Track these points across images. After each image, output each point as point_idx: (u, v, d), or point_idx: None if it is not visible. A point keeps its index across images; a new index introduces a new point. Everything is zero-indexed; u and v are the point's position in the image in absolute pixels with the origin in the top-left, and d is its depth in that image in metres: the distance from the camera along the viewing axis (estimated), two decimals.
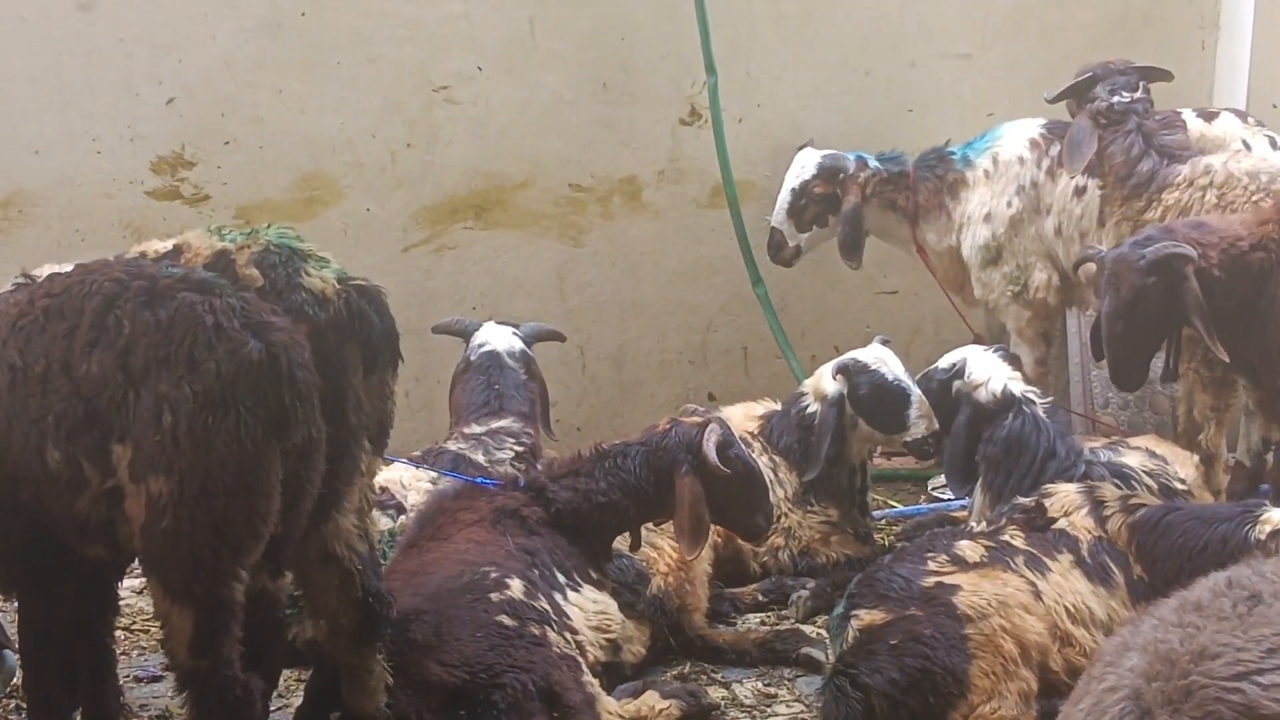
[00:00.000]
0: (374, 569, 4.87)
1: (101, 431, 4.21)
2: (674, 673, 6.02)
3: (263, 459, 4.23)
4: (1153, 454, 6.77)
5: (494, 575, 5.22)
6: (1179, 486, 6.59)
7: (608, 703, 5.16)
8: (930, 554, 5.54)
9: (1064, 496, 5.79)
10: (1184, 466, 6.81)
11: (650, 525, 6.11)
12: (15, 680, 5.51)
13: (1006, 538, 5.61)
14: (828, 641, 5.82)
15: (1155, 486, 6.46)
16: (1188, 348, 6.81)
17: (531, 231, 8.79)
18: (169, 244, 4.68)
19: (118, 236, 7.94)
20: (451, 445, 6.97)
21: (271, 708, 5.26)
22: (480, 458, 6.86)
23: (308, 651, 5.54)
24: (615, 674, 5.63)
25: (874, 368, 7.07)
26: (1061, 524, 5.65)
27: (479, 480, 6.17)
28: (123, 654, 6.22)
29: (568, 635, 5.25)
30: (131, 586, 6.59)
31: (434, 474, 6.61)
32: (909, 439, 7.02)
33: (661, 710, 5.43)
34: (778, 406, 7.44)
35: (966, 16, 9.16)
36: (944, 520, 7.31)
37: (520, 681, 4.85)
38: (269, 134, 8.32)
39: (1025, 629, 5.15)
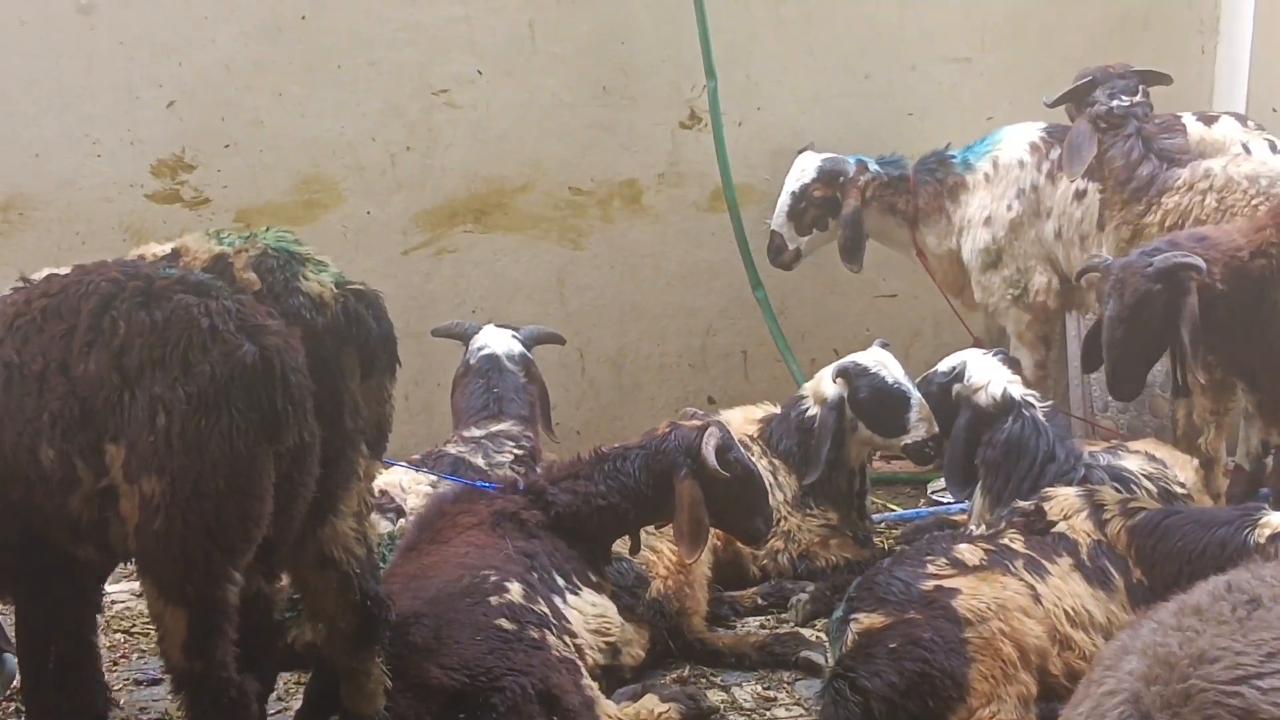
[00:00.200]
0: (372, 572, 4.87)
1: (96, 431, 4.21)
2: (673, 676, 6.01)
3: (255, 461, 4.23)
4: (1152, 458, 6.77)
5: (493, 579, 5.22)
6: (1178, 490, 6.58)
7: (607, 706, 5.16)
8: (929, 557, 5.54)
9: (1063, 500, 5.79)
10: (1183, 470, 6.80)
11: (650, 529, 6.11)
12: (15, 683, 5.50)
13: (1006, 541, 5.61)
14: (827, 645, 5.82)
15: (1155, 490, 6.46)
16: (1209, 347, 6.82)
17: (531, 235, 8.79)
18: (167, 247, 4.67)
19: (117, 239, 7.95)
20: (451, 448, 6.97)
21: (271, 711, 5.29)
22: (480, 461, 6.86)
23: (307, 655, 5.55)
24: (614, 677, 5.63)
25: (874, 371, 7.07)
26: (1061, 527, 5.66)
27: (478, 484, 6.17)
28: (122, 657, 6.25)
29: (567, 638, 5.25)
30: (131, 589, 6.63)
31: (433, 477, 6.61)
32: (908, 442, 7.01)
33: (661, 713, 5.43)
34: (777, 410, 7.44)
35: (966, 20, 9.17)
36: (943, 524, 7.31)
37: (519, 685, 4.85)
38: (269, 137, 8.32)
39: (1024, 632, 5.15)
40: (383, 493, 6.27)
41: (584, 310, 8.94)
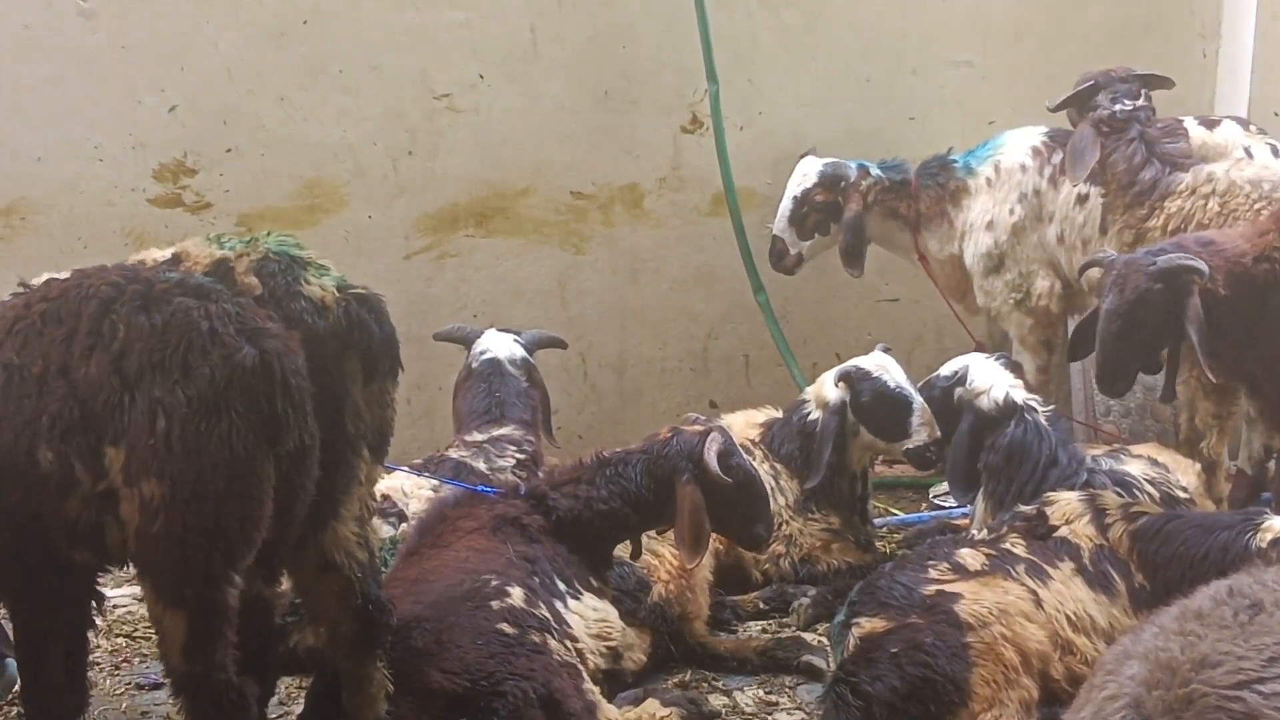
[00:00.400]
0: (374, 577, 4.87)
1: (96, 434, 4.22)
2: (675, 680, 6.02)
3: (255, 464, 4.23)
4: (1154, 462, 6.76)
5: (495, 583, 5.21)
6: (1181, 494, 6.58)
7: (608, 710, 5.15)
8: (931, 562, 5.54)
9: (1065, 504, 5.78)
10: (1186, 474, 6.80)
11: (652, 533, 6.11)
12: (17, 688, 5.50)
13: (1008, 546, 5.61)
14: (829, 649, 5.82)
15: (1157, 494, 6.46)
16: (1188, 356, 6.81)
17: (533, 239, 8.80)
18: (168, 252, 4.67)
19: (119, 244, 7.96)
20: (453, 453, 6.97)
21: (273, 715, 5.30)
22: (482, 465, 6.86)
23: (309, 659, 5.55)
24: (616, 681, 5.62)
25: (876, 375, 7.06)
26: (1063, 532, 5.65)
27: (480, 488, 6.17)
28: (124, 661, 6.26)
29: (568, 643, 5.25)
30: (133, 594, 6.62)
31: (435, 482, 6.61)
32: (911, 447, 7.00)
33: (662, 718, 5.41)
34: (779, 414, 7.43)
35: (968, 24, 9.17)
36: (945, 528, 7.32)
37: (521, 689, 4.84)
38: (271, 142, 8.33)
39: (1026, 637, 5.15)
40: (385, 497, 6.26)
41: (586, 314, 8.94)
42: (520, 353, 7.48)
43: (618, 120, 8.80)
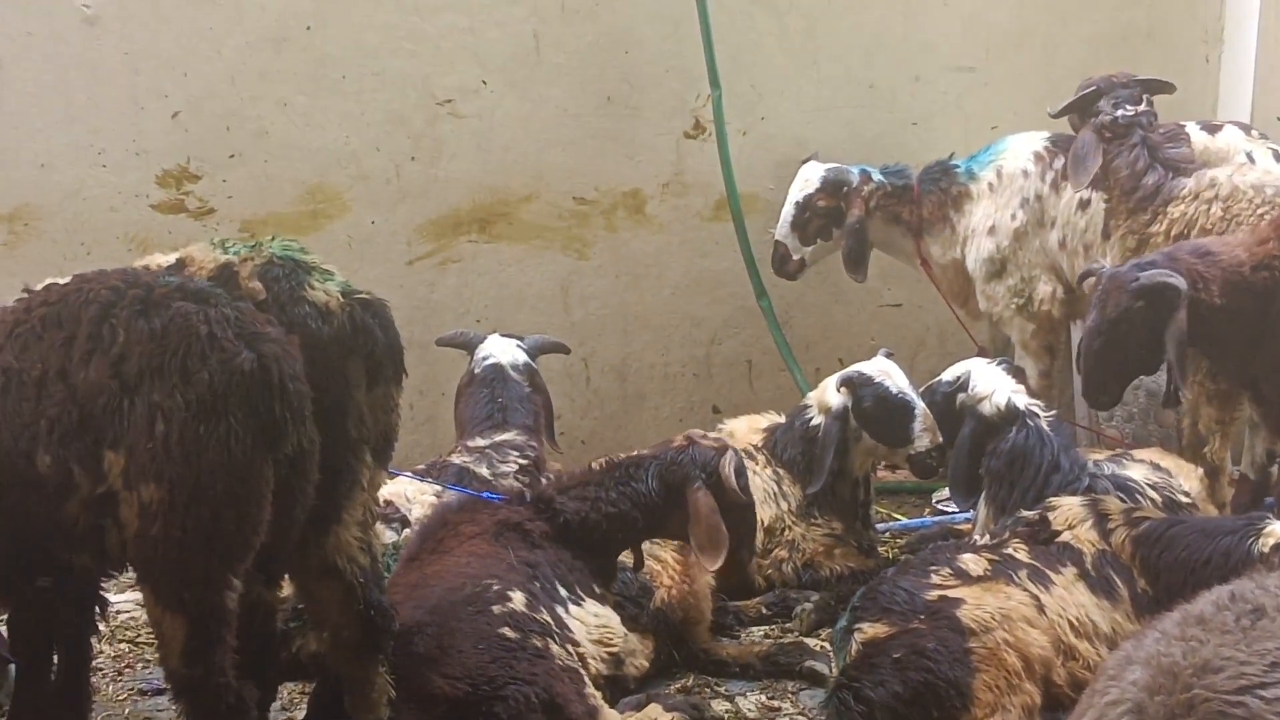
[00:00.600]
0: (377, 582, 4.87)
1: (94, 437, 4.22)
2: (677, 686, 6.02)
3: (253, 468, 4.24)
4: (1157, 467, 6.77)
5: (496, 588, 5.22)
6: (1183, 499, 6.59)
7: (610, 715, 5.15)
8: (934, 567, 5.54)
9: (1068, 510, 5.79)
10: (1188, 479, 6.81)
11: (654, 540, 6.13)
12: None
13: (1010, 551, 5.61)
14: (831, 655, 5.82)
15: (1159, 499, 6.47)
16: (1192, 361, 6.82)
17: (535, 244, 8.80)
18: (172, 257, 4.68)
19: (123, 250, 7.96)
20: (455, 458, 6.97)
21: None
22: (484, 471, 6.86)
23: (311, 664, 5.55)
24: (619, 687, 5.63)
25: (878, 381, 7.06)
26: (1065, 537, 5.65)
27: (482, 494, 6.18)
28: (127, 667, 6.26)
29: (570, 648, 5.25)
30: (136, 599, 6.61)
31: (438, 487, 6.61)
32: (913, 452, 7.01)
33: None
34: (782, 419, 7.44)
35: (970, 30, 9.18)
36: (948, 533, 7.32)
37: (523, 694, 4.85)
38: (274, 147, 8.33)
39: (1029, 642, 5.15)
40: (387, 503, 6.27)
41: (588, 320, 8.95)
42: (523, 358, 7.48)
43: (620, 125, 8.81)
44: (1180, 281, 6.00)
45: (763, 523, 6.93)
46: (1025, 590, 5.37)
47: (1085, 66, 8.39)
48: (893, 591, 5.40)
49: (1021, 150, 8.05)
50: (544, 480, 6.64)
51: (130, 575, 4.66)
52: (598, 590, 5.70)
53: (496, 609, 5.13)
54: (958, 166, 8.21)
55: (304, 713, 5.33)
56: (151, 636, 6.25)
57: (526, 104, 8.65)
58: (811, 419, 7.17)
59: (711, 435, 6.31)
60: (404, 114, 8.50)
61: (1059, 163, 7.83)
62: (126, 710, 5.88)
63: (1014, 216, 7.93)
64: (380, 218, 8.55)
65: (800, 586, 6.97)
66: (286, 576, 5.01)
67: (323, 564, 4.73)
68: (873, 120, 9.11)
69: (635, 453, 6.06)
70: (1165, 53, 9.20)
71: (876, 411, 7.04)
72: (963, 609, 5.21)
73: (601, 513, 5.77)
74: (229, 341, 4.21)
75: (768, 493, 7.09)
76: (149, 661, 6.26)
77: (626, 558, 5.94)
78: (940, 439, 6.91)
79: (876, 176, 8.28)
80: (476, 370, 7.44)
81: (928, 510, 8.40)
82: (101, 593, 5.01)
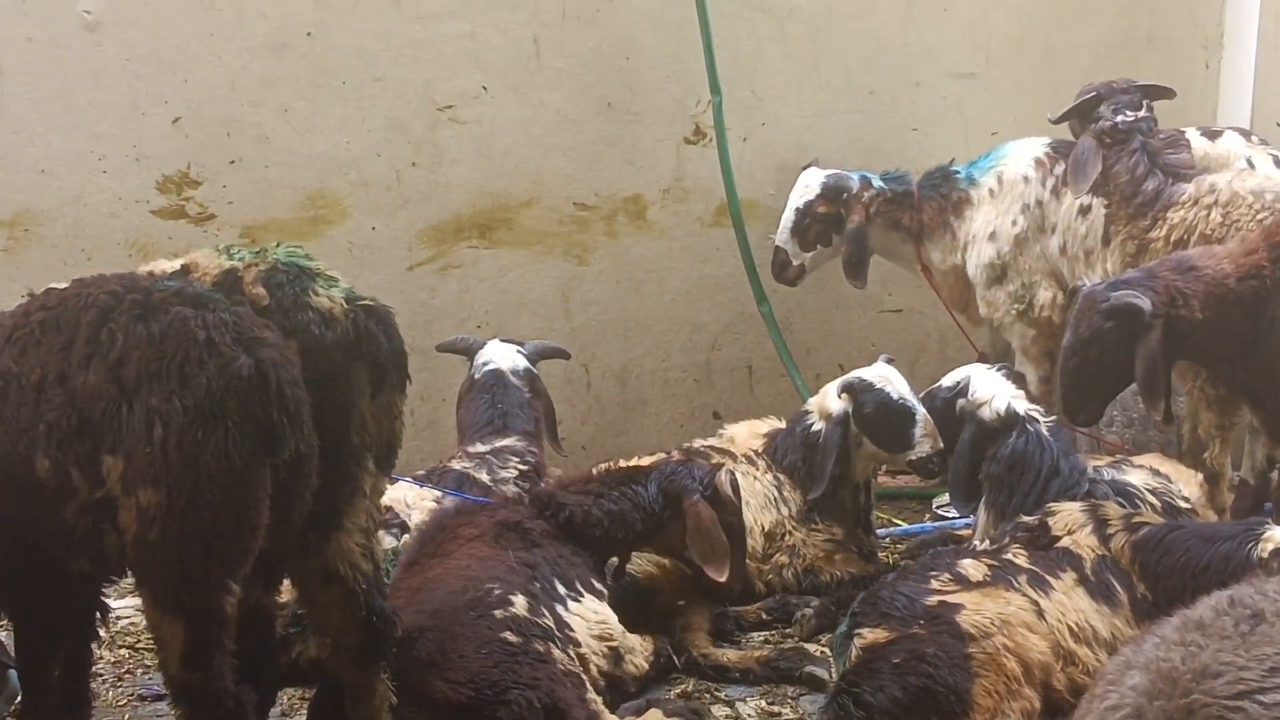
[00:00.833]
0: (379, 588, 4.87)
1: (93, 442, 4.22)
2: (678, 691, 6.01)
3: (251, 473, 4.24)
4: (1157, 472, 6.77)
5: (498, 592, 5.23)
6: (1183, 505, 6.59)
7: None
8: (934, 573, 5.55)
9: (1067, 515, 5.79)
10: (1188, 485, 6.81)
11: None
12: (19, 699, 5.51)
13: (1010, 556, 5.61)
14: (831, 660, 5.82)
15: (1159, 505, 6.47)
16: (1190, 368, 6.84)
17: (536, 250, 8.80)
18: (176, 263, 4.68)
19: (123, 255, 7.97)
20: (456, 464, 6.98)
21: None
22: (484, 476, 6.87)
23: (311, 670, 5.55)
24: (618, 690, 5.64)
25: (879, 386, 7.06)
26: (1065, 542, 5.66)
27: (480, 500, 6.20)
28: (127, 672, 6.26)
29: (571, 650, 5.26)
30: (137, 605, 6.62)
31: (438, 493, 6.62)
32: (914, 457, 7.01)
33: None
34: (782, 425, 7.44)
35: (970, 36, 9.18)
36: (948, 538, 7.31)
37: (525, 698, 4.86)
38: (274, 153, 8.33)
39: (1028, 648, 5.15)
40: (387, 508, 6.26)
41: (589, 325, 8.95)
42: (523, 363, 7.49)
43: (621, 131, 8.81)
44: (1145, 303, 6.03)
45: (763, 528, 6.95)
46: (1025, 595, 5.38)
47: (1085, 72, 8.39)
48: (892, 597, 5.41)
49: (1022, 156, 8.05)
50: (544, 484, 6.66)
51: (130, 580, 4.67)
52: (596, 584, 5.73)
53: (498, 613, 5.14)
54: (958, 173, 8.21)
55: (303, 718, 5.33)
56: (151, 642, 6.26)
57: (527, 110, 8.65)
58: (812, 424, 7.17)
59: (709, 445, 6.35)
60: (405, 120, 8.50)
61: (1060, 168, 7.83)
62: (126, 716, 5.87)
63: (1015, 222, 7.93)
64: (381, 223, 8.55)
65: (801, 592, 6.96)
66: (286, 581, 5.02)
67: (325, 570, 4.72)
68: (873, 126, 9.11)
69: (634, 465, 6.12)
70: (1165, 58, 9.21)
71: (877, 417, 7.04)
72: (962, 614, 5.22)
73: (603, 509, 5.84)
74: (227, 346, 4.21)
75: (768, 498, 7.09)
76: (149, 667, 6.25)
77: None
78: (941, 444, 6.91)
79: (877, 183, 8.28)
80: (477, 376, 7.45)
81: (928, 515, 8.41)
82: (101, 598, 5.02)
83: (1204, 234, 6.91)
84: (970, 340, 8.48)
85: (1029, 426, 6.56)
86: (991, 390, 6.70)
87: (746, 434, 7.45)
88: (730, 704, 5.96)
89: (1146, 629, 3.50)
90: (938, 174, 8.27)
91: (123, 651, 6.46)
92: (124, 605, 6.68)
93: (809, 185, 8.35)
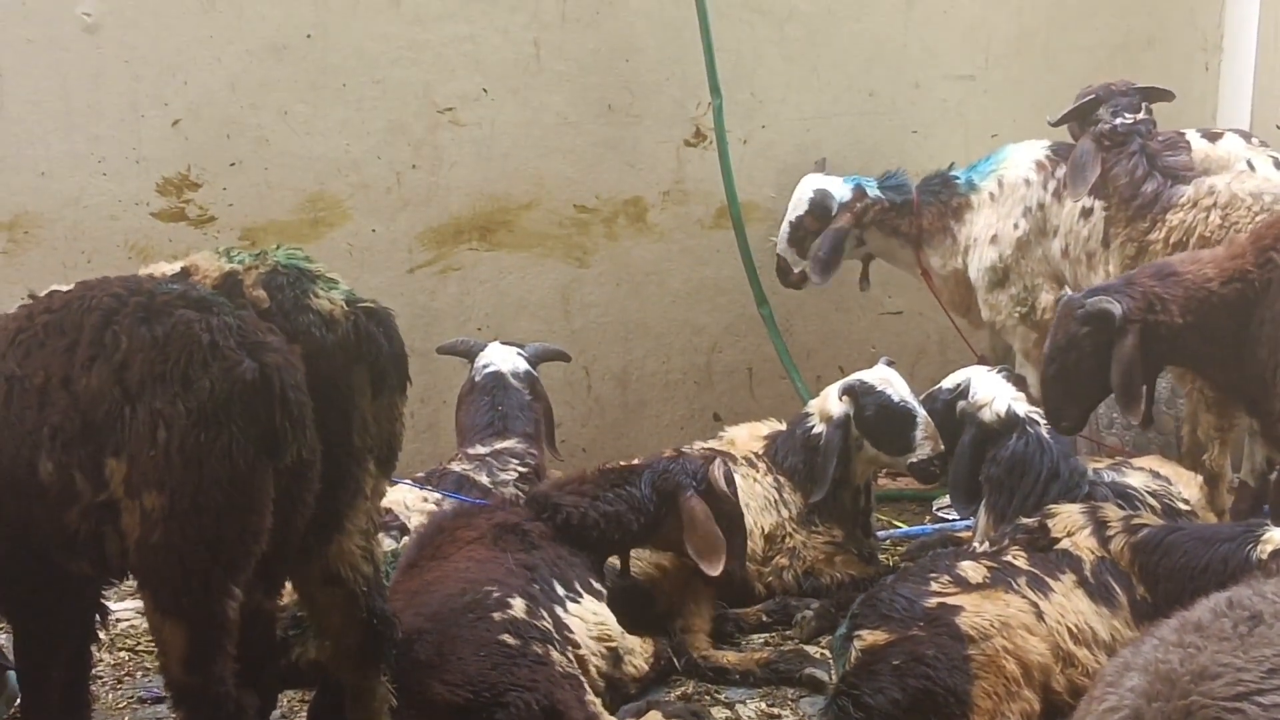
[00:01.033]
0: (379, 590, 4.87)
1: (96, 445, 4.22)
2: (678, 693, 6.01)
3: (255, 477, 4.24)
4: (1157, 474, 6.77)
5: (496, 594, 5.23)
6: (1182, 507, 6.59)
7: None
8: (933, 575, 5.55)
9: (1067, 517, 5.79)
10: (1188, 487, 6.81)
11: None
12: (19, 702, 5.51)
13: (1009, 558, 5.61)
14: (831, 662, 5.82)
15: (1159, 507, 6.46)
16: (1186, 373, 6.84)
17: (536, 252, 8.80)
18: (177, 266, 4.68)
19: (123, 258, 7.97)
20: (456, 466, 6.98)
21: None
22: (484, 479, 6.87)
23: (311, 673, 5.55)
24: (618, 692, 5.64)
25: (880, 389, 7.07)
26: (1064, 544, 5.65)
27: (477, 503, 6.20)
28: (126, 675, 6.26)
29: (570, 652, 5.26)
30: (136, 608, 6.63)
31: (438, 495, 6.62)
32: (914, 460, 7.01)
33: None
34: (783, 427, 7.44)
35: (970, 38, 9.19)
36: (948, 541, 7.31)
37: (523, 700, 4.86)
38: (274, 155, 8.33)
39: (1028, 649, 5.15)
40: (387, 510, 6.26)
41: (589, 327, 8.95)
42: (523, 366, 7.49)
43: (621, 133, 8.81)
44: (1117, 308, 6.07)
45: (763, 530, 6.95)
46: (1024, 597, 5.38)
47: (1085, 74, 8.38)
48: (892, 599, 5.41)
49: (1023, 159, 8.05)
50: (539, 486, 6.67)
51: (130, 583, 4.67)
52: (595, 585, 5.74)
53: (497, 616, 5.14)
54: (958, 178, 8.21)
55: None
56: (151, 645, 6.27)
57: (527, 112, 8.65)
58: (813, 427, 7.17)
59: (705, 446, 6.36)
60: (405, 122, 8.50)
61: (1060, 171, 7.82)
62: (126, 718, 5.87)
63: (1016, 226, 7.93)
64: (381, 226, 8.56)
65: (801, 594, 6.96)
66: (287, 584, 5.02)
67: (326, 572, 4.73)
68: (873, 128, 9.11)
69: (627, 464, 6.12)
70: (1165, 61, 9.22)
71: (878, 420, 7.04)
72: (962, 616, 5.21)
73: (600, 511, 5.85)
74: (231, 350, 4.21)
75: (768, 500, 7.09)
76: (148, 670, 6.26)
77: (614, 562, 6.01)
78: (941, 447, 6.91)
79: (872, 192, 8.29)
80: (477, 378, 7.45)
81: (928, 518, 8.40)
82: (101, 600, 5.02)
83: (1203, 236, 6.91)
84: (969, 344, 8.48)
85: (1029, 429, 6.56)
86: (992, 392, 6.70)
87: (747, 436, 7.45)
88: (730, 706, 5.96)
89: (1145, 630, 3.50)
90: (937, 180, 8.27)
91: (122, 654, 6.46)
92: (123, 608, 6.68)
93: (799, 199, 8.39)
